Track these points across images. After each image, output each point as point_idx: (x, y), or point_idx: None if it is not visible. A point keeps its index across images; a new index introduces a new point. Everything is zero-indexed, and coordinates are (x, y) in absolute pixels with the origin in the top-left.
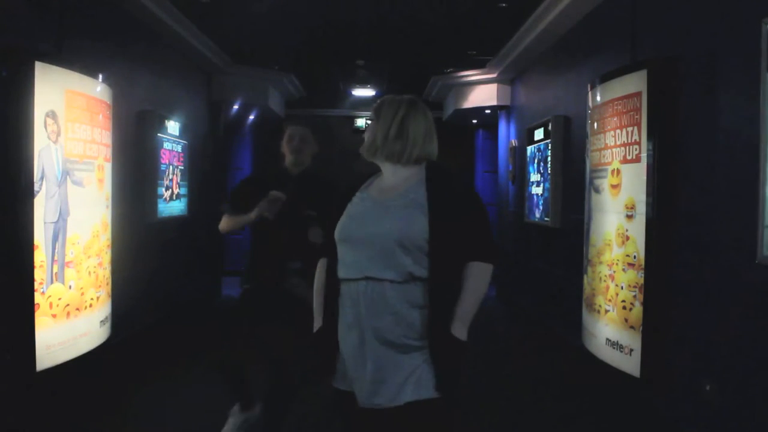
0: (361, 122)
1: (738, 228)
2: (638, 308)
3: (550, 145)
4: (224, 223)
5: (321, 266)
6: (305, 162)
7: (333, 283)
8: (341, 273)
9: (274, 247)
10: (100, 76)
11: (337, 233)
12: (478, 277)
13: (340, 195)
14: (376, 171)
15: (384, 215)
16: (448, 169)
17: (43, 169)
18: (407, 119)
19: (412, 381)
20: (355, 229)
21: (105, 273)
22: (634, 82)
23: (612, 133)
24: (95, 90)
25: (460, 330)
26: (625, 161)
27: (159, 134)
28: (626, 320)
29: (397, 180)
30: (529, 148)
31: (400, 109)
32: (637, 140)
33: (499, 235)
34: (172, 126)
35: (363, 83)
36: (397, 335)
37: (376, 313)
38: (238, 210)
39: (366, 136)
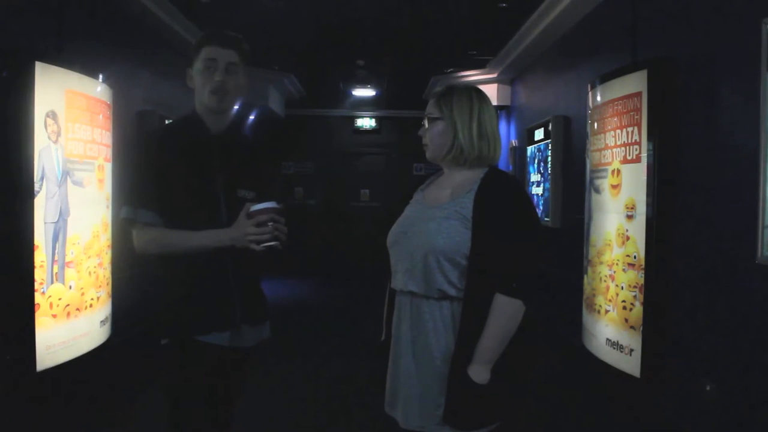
0: (361, 122)
1: (738, 228)
2: (638, 308)
3: (550, 145)
4: (148, 242)
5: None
6: (229, 108)
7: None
8: (392, 281)
9: (212, 260)
10: (100, 76)
11: (388, 238)
12: (500, 315)
13: (404, 192)
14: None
15: (425, 225)
16: (510, 178)
17: (43, 169)
18: (483, 114)
19: (431, 407)
20: (400, 237)
21: (105, 273)
22: (634, 82)
23: (612, 133)
24: (95, 90)
25: (476, 372)
26: (625, 161)
27: None
28: (626, 320)
29: (450, 185)
30: (530, 149)
31: (474, 102)
32: (637, 140)
33: None
34: None
35: (363, 83)
36: (430, 356)
37: (412, 330)
38: (179, 219)
39: (432, 137)
